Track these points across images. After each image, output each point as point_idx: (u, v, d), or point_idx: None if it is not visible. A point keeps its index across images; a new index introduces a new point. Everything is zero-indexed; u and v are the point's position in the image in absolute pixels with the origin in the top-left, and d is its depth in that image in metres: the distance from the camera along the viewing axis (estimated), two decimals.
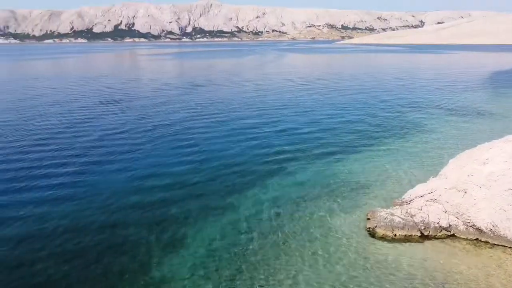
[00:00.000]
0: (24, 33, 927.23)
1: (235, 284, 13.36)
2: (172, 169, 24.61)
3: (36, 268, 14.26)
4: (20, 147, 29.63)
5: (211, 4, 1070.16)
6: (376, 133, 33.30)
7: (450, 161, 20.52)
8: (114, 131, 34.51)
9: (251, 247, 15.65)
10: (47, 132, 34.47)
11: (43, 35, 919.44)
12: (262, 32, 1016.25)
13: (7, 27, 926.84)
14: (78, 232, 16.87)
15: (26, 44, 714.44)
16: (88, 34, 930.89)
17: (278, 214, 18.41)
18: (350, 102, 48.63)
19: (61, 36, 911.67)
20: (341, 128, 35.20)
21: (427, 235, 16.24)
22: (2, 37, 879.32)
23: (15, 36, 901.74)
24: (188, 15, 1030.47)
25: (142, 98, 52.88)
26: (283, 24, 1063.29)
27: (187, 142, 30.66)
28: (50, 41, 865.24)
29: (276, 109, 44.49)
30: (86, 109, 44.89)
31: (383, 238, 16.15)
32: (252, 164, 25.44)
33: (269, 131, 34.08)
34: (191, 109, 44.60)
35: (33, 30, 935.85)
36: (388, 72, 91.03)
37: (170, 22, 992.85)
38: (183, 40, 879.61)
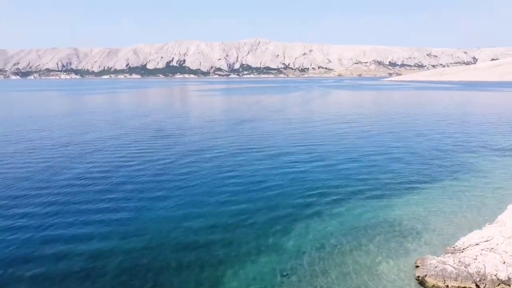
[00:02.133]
0: (84, 69, 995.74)
1: None
2: (216, 207, 24.71)
3: None
4: (66, 180, 31.04)
5: (259, 42, 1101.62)
6: (426, 173, 31.93)
7: (509, 206, 19.22)
8: (162, 165, 35.44)
9: None
10: (97, 166, 35.96)
11: (101, 71, 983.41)
12: (308, 69, 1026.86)
13: (70, 63, 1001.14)
14: (113, 270, 17.14)
15: (85, 79, 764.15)
16: (142, 70, 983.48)
17: (320, 258, 17.81)
18: (398, 141, 47.26)
19: (117, 72, 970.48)
20: (389, 167, 34.10)
21: None
22: (65, 73, 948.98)
23: (76, 71, 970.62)
24: (236, 52, 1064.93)
25: (189, 133, 54.33)
26: (330, 61, 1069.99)
27: (232, 179, 30.79)
28: (107, 76, 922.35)
29: (320, 145, 44.04)
30: (136, 143, 46.62)
31: None
32: (295, 204, 25.05)
33: (314, 169, 33.63)
34: (237, 144, 45.13)
35: (92, 66, 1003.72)
36: (438, 110, 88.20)
37: (219, 59, 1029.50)
38: (230, 76, 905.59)
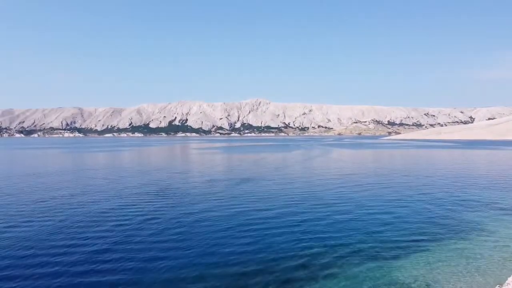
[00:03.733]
0: (88, 127, 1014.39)
1: None
2: (213, 270, 24.05)
3: None
4: (63, 240, 30.44)
5: (260, 102, 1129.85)
6: (430, 233, 31.28)
7: None
8: (161, 225, 34.91)
9: None
10: (93, 225, 35.44)
11: (104, 129, 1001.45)
12: (308, 128, 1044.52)
13: (74, 122, 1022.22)
14: None
15: (88, 137, 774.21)
16: (145, 129, 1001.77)
17: None
18: (401, 199, 46.83)
19: (120, 130, 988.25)
20: (391, 227, 33.48)
21: None
22: (68, 131, 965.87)
23: (80, 130, 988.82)
24: (238, 112, 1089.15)
25: (190, 192, 54.05)
26: (329, 120, 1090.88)
27: (232, 240, 30.24)
28: (110, 135, 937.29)
29: (320, 206, 43.60)
30: (137, 202, 46.25)
31: None
32: (294, 265, 24.36)
33: (313, 229, 33.02)
34: (238, 204, 44.74)
35: (96, 125, 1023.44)
36: (439, 167, 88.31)
37: (220, 119, 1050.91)
38: (232, 134, 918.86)
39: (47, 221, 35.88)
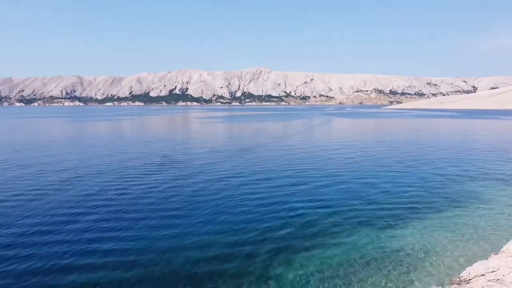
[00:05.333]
0: (88, 96, 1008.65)
1: None
2: (217, 237, 24.51)
3: None
4: (67, 208, 30.93)
5: (261, 71, 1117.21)
6: (429, 202, 31.71)
7: None
8: (164, 194, 35.34)
9: None
10: (96, 194, 35.88)
11: (104, 98, 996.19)
12: (309, 97, 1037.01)
13: (74, 91, 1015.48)
14: None
15: (89, 106, 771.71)
16: (145, 98, 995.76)
17: None
18: (401, 169, 47.17)
19: (120, 99, 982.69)
20: (391, 196, 33.91)
21: None
22: (69, 100, 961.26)
23: (80, 99, 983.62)
24: (238, 80, 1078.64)
25: (192, 160, 54.39)
26: (331, 89, 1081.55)
27: (233, 208, 30.69)
28: (110, 103, 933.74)
29: (322, 175, 43.96)
30: (140, 171, 46.62)
31: None
32: (296, 233, 24.82)
33: (315, 198, 33.46)
34: (240, 172, 45.11)
35: (95, 94, 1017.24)
36: (440, 137, 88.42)
37: (221, 87, 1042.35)
38: (232, 104, 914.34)
39: (51, 191, 36.35)
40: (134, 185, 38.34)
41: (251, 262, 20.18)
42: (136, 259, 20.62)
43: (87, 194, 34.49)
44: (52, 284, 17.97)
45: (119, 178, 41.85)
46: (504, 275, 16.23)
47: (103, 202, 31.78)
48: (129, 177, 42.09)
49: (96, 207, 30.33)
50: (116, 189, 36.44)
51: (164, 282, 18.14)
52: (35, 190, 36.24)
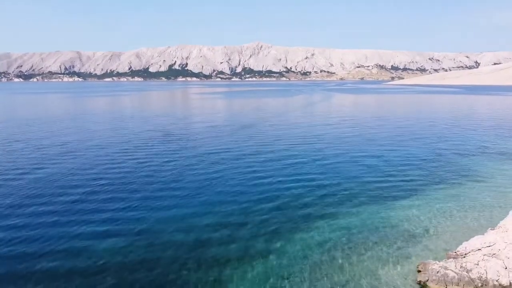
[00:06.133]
0: (87, 72, 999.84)
1: None
2: (222, 208, 24.73)
3: None
4: (73, 180, 31.13)
5: (261, 46, 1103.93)
6: (428, 178, 31.87)
7: (511, 212, 19.14)
8: (168, 168, 35.49)
9: None
10: (101, 166, 36.06)
11: (103, 73, 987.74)
12: (310, 72, 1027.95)
13: (72, 66, 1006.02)
14: (122, 268, 17.17)
15: (88, 82, 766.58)
16: (144, 73, 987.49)
17: (322, 261, 17.79)
18: (401, 145, 47.22)
19: (119, 74, 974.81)
20: (390, 171, 34.06)
21: None
22: (68, 76, 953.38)
23: (79, 74, 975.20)
24: (239, 56, 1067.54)
25: (194, 136, 54.43)
26: (332, 65, 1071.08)
27: (237, 181, 30.88)
28: (109, 79, 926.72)
29: (321, 150, 44.04)
30: (143, 146, 46.72)
31: None
32: (298, 206, 25.05)
33: (317, 172, 33.62)
34: (241, 147, 45.20)
35: (94, 69, 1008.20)
36: (441, 114, 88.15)
37: (221, 63, 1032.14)
38: (232, 79, 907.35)
39: (55, 164, 36.52)
40: (136, 159, 38.46)
41: (256, 233, 20.41)
42: (141, 228, 20.88)
43: (88, 167, 34.64)
44: (50, 249, 18.30)
45: (120, 152, 41.96)
46: (500, 249, 16.49)
47: (102, 175, 31.87)
48: (131, 152, 42.18)
49: (97, 179, 30.48)
50: (118, 164, 36.56)
51: (167, 250, 18.41)
52: (35, 164, 36.40)
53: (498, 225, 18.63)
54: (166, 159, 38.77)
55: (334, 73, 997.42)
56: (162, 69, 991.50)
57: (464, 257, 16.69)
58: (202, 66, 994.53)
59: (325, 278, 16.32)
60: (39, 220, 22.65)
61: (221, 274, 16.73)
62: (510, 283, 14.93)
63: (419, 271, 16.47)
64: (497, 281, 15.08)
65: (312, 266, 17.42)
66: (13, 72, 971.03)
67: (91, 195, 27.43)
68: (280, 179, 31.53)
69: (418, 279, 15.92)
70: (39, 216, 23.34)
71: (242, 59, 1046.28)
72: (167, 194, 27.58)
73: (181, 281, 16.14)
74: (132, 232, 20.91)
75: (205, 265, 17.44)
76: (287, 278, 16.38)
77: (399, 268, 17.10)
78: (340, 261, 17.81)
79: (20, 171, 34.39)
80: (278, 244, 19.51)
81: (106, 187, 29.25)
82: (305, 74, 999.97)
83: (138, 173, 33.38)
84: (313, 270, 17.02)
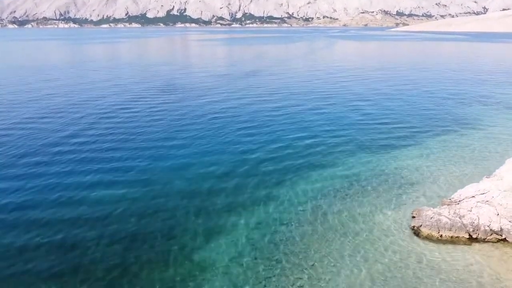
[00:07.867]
0: (83, 18, 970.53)
1: (272, 273, 13.54)
2: (218, 158, 25.11)
3: (86, 250, 15.18)
4: (75, 131, 31.32)
5: None
6: (426, 127, 31.98)
7: (507, 160, 19.42)
8: (163, 118, 35.60)
9: (291, 238, 15.78)
10: (102, 117, 36.12)
11: (99, 20, 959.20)
12: (312, 18, 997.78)
13: (68, 12, 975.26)
14: (125, 217, 17.73)
15: (84, 28, 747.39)
16: (142, 19, 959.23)
17: (320, 207, 18.35)
18: (401, 94, 46.92)
19: (116, 21, 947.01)
20: (390, 121, 34.13)
21: (476, 238, 15.54)
22: (63, 22, 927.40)
23: (74, 20, 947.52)
24: (239, 0, 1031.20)
25: (195, 86, 54.08)
26: (335, 10, 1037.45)
27: (238, 131, 31.10)
28: (106, 25, 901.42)
29: (323, 98, 43.84)
30: (145, 96, 46.53)
31: (427, 238, 15.65)
32: (297, 155, 25.39)
33: (315, 121, 33.71)
34: (243, 96, 45.01)
35: (90, 15, 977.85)
36: (445, 63, 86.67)
37: (221, 8, 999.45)
38: (233, 25, 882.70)
39: (56, 116, 36.57)
40: (137, 110, 38.45)
41: (257, 180, 20.87)
42: (146, 177, 21.32)
43: (90, 119, 34.73)
44: (55, 197, 18.82)
45: (121, 103, 41.86)
46: (493, 197, 16.91)
47: (108, 126, 32.09)
48: (132, 102, 42.07)
49: (100, 129, 30.70)
50: (120, 114, 36.61)
51: (170, 198, 18.92)
52: (39, 114, 36.49)
53: (494, 173, 18.97)
54: (171, 111, 38.75)
55: (337, 19, 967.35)
56: (160, 14, 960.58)
57: (458, 203, 17.16)
58: (201, 12, 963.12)
59: (319, 223, 16.93)
60: (43, 170, 23.08)
61: (221, 220, 17.32)
62: (501, 228, 15.47)
63: (413, 217, 17.01)
64: (488, 226, 15.61)
65: (307, 211, 17.99)
66: (6, 18, 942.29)
67: (93, 144, 27.73)
68: (282, 128, 31.71)
69: (412, 225, 16.47)
70: (43, 166, 23.75)
71: (242, 4, 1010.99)
72: (168, 144, 27.86)
73: (182, 229, 16.71)
74: (136, 181, 21.37)
75: (210, 213, 17.99)
76: (283, 224, 16.97)
77: (394, 213, 17.64)
78: (337, 205, 18.36)
79: (24, 121, 34.51)
80: (274, 191, 20.01)
81: (107, 137, 29.50)
82: (307, 20, 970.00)
83: (139, 123, 33.52)
84: (307, 216, 17.61)
